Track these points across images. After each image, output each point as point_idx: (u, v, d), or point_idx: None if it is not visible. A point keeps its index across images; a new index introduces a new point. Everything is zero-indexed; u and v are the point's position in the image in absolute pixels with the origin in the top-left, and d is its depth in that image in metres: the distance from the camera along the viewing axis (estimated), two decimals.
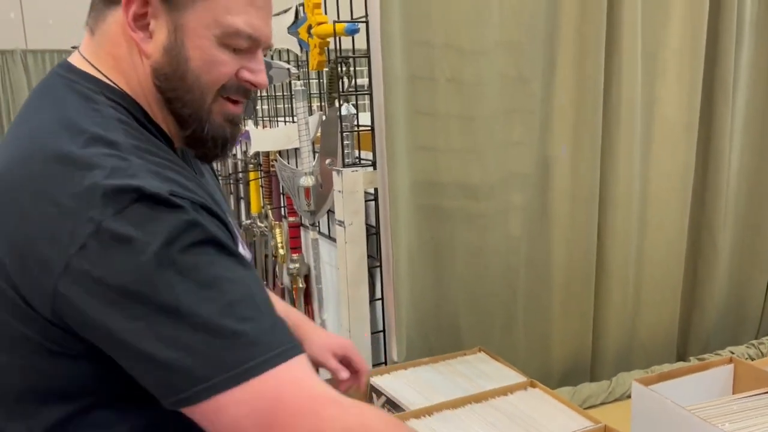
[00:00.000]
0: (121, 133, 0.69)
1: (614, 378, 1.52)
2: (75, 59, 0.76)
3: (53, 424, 0.69)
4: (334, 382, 1.06)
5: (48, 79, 0.74)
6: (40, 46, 7.35)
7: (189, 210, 0.65)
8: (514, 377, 1.27)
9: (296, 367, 0.66)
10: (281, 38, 1.69)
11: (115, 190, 0.63)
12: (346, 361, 1.08)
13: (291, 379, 0.65)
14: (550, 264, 1.53)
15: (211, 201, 0.72)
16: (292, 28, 1.60)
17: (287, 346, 0.67)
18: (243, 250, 0.80)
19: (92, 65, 0.74)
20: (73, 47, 0.77)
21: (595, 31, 1.43)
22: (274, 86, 1.94)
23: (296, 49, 1.62)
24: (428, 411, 1.13)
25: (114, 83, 0.74)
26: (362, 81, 1.55)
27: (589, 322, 1.60)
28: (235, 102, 0.78)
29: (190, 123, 0.76)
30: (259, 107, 2.11)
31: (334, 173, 1.39)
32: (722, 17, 1.59)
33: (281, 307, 1.04)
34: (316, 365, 1.07)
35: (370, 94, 1.33)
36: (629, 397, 1.25)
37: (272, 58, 1.82)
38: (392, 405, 1.18)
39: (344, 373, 1.06)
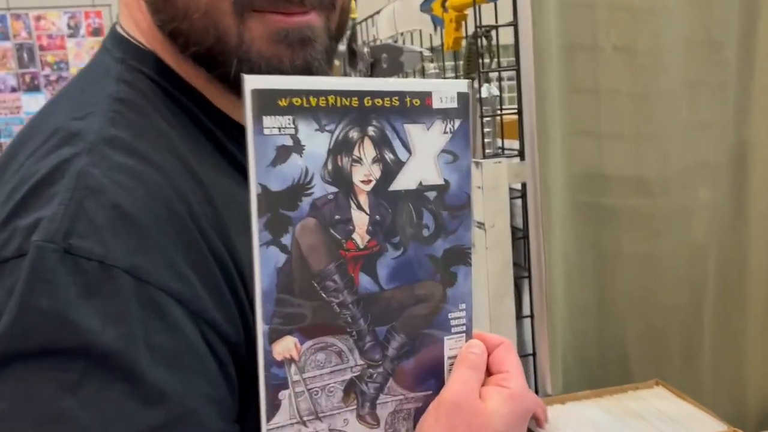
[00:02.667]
0: (100, 119, 0.48)
1: None
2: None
3: None
4: None
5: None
6: None
7: (89, 273, 0.41)
8: (707, 422, 1.02)
9: None
10: (412, 19, 1.54)
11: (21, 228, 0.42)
12: None
13: None
14: (746, 279, 1.24)
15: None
16: (425, 5, 1.43)
17: None
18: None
19: (118, 21, 0.57)
20: None
21: None
22: (406, 73, 1.79)
23: (430, 28, 1.45)
24: None
25: (139, 42, 0.54)
26: (508, 61, 1.35)
27: None
28: (284, 13, 0.51)
29: (214, 63, 0.51)
30: None
31: (473, 166, 1.20)
32: None
33: None
34: None
35: (518, 71, 1.14)
36: None
37: (403, 43, 1.66)
38: None
39: None
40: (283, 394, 0.45)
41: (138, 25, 0.54)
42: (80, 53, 8.75)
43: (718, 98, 1.18)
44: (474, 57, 1.23)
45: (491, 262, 1.20)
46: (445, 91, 0.49)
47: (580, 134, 1.15)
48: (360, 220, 0.46)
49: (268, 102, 0.42)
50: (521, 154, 1.19)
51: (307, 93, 0.44)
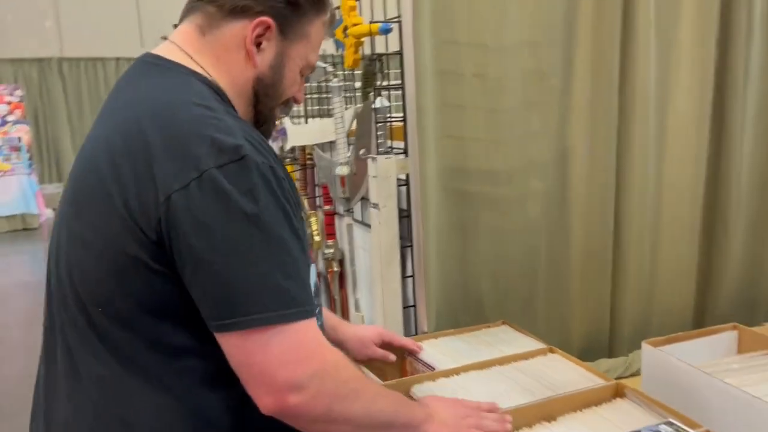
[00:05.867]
0: (214, 101, 0.85)
1: (631, 354, 1.62)
2: (162, 50, 0.90)
3: (153, 339, 0.84)
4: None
5: (136, 65, 0.90)
6: (76, 54, 7.63)
7: (273, 171, 0.80)
8: (535, 345, 1.36)
9: (313, 322, 0.83)
10: None
11: (221, 146, 0.77)
12: (387, 345, 1.29)
13: (311, 330, 0.82)
14: (568, 246, 1.61)
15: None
16: (329, 31, 1.72)
17: (311, 306, 0.83)
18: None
19: (190, 57, 0.89)
20: (163, 38, 0.91)
21: (610, 30, 1.53)
22: (311, 85, 2.07)
23: (332, 49, 1.74)
24: (457, 371, 1.23)
25: (205, 73, 0.89)
26: (394, 83, 1.65)
27: (606, 301, 1.68)
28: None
29: (265, 119, 0.97)
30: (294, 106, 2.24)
31: (369, 161, 1.51)
32: (732, 11, 1.66)
33: (325, 312, 1.19)
34: (363, 359, 1.26)
35: (403, 88, 1.44)
36: None
37: None
38: (425, 366, 1.30)
39: (392, 356, 1.28)
40: None
41: (225, 76, 0.90)
42: None
43: (547, 114, 1.53)
44: (371, 76, 1.55)
45: (383, 235, 1.51)
46: None
47: (448, 138, 1.46)
48: None
49: None
50: (406, 152, 1.50)
51: None
